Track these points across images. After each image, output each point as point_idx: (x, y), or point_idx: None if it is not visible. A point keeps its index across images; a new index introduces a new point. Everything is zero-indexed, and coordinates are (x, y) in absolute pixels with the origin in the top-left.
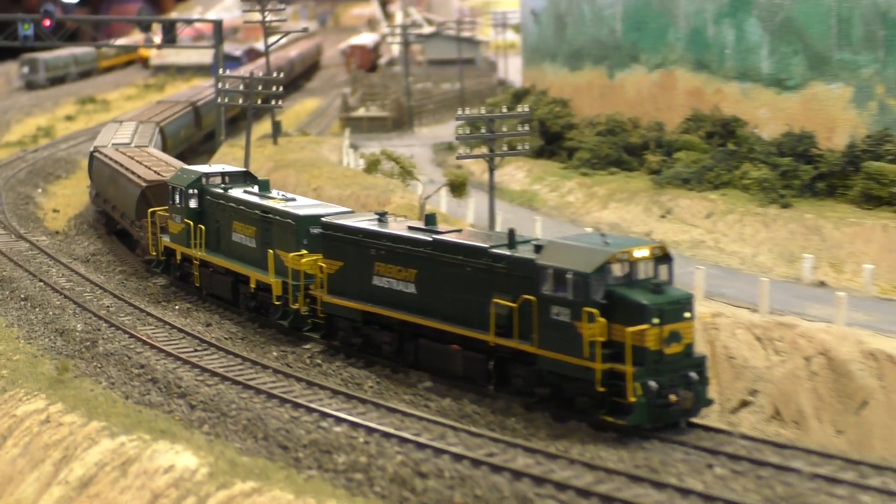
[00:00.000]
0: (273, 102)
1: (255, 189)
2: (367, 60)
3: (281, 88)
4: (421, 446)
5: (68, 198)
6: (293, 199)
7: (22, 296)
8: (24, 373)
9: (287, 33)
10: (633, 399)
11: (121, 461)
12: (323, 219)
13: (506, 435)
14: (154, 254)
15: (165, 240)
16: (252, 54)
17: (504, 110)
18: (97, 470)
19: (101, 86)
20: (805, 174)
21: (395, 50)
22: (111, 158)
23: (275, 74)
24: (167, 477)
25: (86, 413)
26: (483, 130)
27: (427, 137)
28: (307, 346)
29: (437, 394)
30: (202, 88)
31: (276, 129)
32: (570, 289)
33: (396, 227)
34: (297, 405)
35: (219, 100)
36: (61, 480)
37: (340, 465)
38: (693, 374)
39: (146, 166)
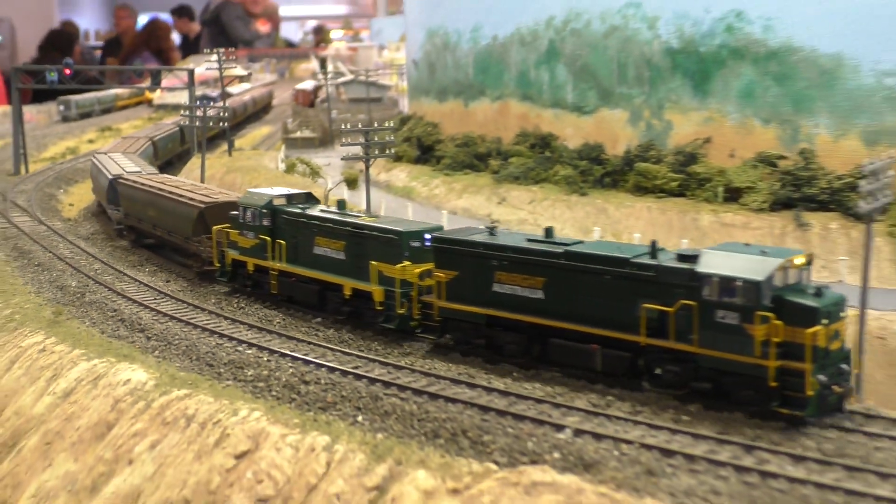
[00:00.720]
0: (225, 129)
1: (330, 208)
2: (307, 100)
3: (226, 123)
4: (307, 362)
5: (81, 196)
6: (377, 217)
7: (36, 262)
8: (30, 316)
9: (237, 79)
10: (810, 393)
11: (93, 377)
12: (436, 234)
13: (369, 354)
14: (217, 265)
15: (234, 253)
16: (225, 96)
17: (389, 125)
18: (76, 384)
19: (117, 119)
20: (597, 172)
21: (327, 92)
22: (145, 185)
23: (224, 114)
24: (125, 387)
25: (71, 344)
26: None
27: (342, 151)
28: (236, 297)
29: (324, 327)
30: (163, 125)
31: (231, 145)
32: (739, 295)
33: (516, 240)
34: (221, 335)
35: (188, 124)
36: (51, 392)
37: (249, 377)
38: (844, 366)
39: (191, 191)
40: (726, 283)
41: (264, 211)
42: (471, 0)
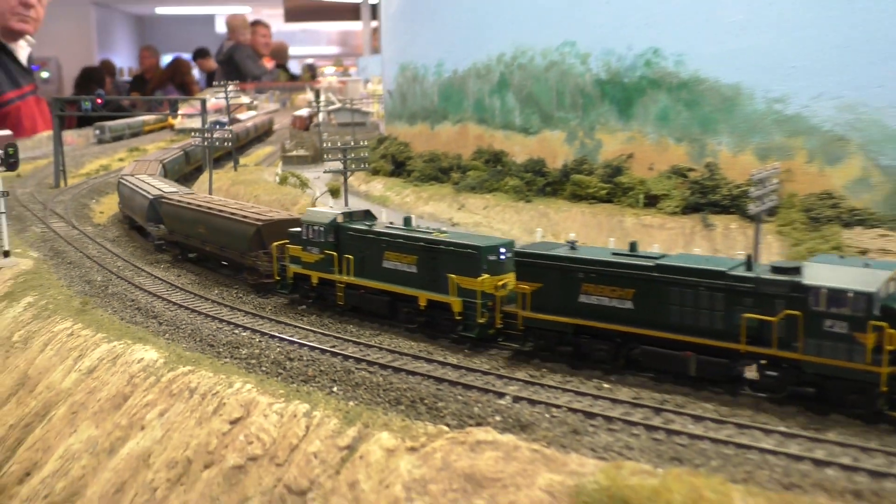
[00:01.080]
0: (231, 149)
1: (395, 224)
2: (303, 124)
3: (230, 143)
4: (292, 342)
5: (111, 205)
6: (446, 232)
7: (68, 261)
8: (62, 306)
9: (245, 106)
10: None
11: (113, 356)
12: (519, 249)
13: (344, 335)
14: (277, 278)
15: (296, 267)
16: (234, 122)
17: (364, 143)
18: (98, 362)
19: (143, 141)
20: (539, 182)
21: (320, 118)
22: (192, 204)
23: (228, 136)
24: (139, 365)
25: (95, 329)
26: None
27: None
28: (236, 287)
29: (308, 313)
30: (171, 150)
31: (236, 162)
32: (850, 305)
33: (602, 254)
34: (221, 320)
35: (197, 145)
36: (77, 369)
37: (243, 355)
38: None
39: (242, 209)
40: (837, 294)
41: (329, 228)
42: (435, 40)
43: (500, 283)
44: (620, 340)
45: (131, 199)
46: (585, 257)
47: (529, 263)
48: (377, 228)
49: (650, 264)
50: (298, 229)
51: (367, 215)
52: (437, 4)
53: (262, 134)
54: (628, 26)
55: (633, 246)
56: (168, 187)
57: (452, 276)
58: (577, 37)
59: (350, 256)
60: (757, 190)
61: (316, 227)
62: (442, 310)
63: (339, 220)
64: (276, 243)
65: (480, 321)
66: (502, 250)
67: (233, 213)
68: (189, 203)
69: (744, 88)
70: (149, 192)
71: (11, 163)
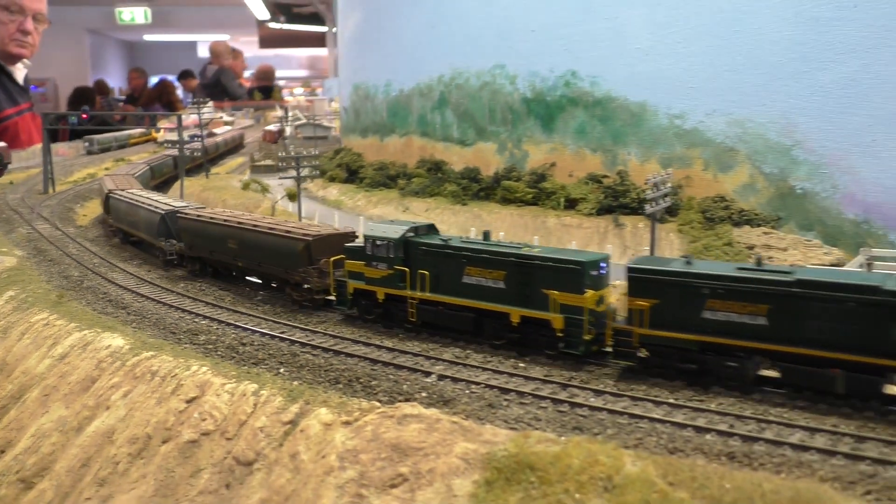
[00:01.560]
0: (203, 160)
1: (474, 238)
2: (273, 138)
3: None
4: (245, 329)
5: (94, 208)
6: (535, 247)
7: (49, 258)
8: (40, 299)
9: (222, 122)
10: None
11: (84, 344)
12: (633, 265)
13: (294, 323)
14: (334, 295)
15: (357, 283)
16: (210, 136)
17: (314, 152)
18: (70, 349)
19: (129, 152)
20: (474, 188)
21: (287, 132)
22: (218, 219)
23: (199, 149)
24: (107, 351)
25: (69, 319)
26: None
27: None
28: (199, 281)
29: (263, 303)
30: (137, 165)
31: (207, 171)
32: None
33: (727, 269)
34: (183, 310)
35: (172, 155)
36: (50, 355)
37: (201, 341)
38: None
39: (283, 224)
40: None
41: (399, 244)
42: (384, 63)
43: (600, 297)
44: (744, 356)
45: (132, 213)
46: (711, 273)
47: (645, 279)
48: (456, 243)
49: (789, 279)
50: (356, 244)
51: (431, 229)
52: (386, 32)
53: (232, 148)
54: (550, 52)
55: (758, 261)
56: (175, 202)
57: (551, 291)
58: (506, 60)
59: (425, 272)
60: (652, 193)
61: (383, 243)
62: (537, 326)
63: (409, 235)
64: (330, 258)
65: (587, 338)
66: (602, 265)
67: (274, 229)
68: (214, 219)
69: (649, 106)
70: (158, 208)
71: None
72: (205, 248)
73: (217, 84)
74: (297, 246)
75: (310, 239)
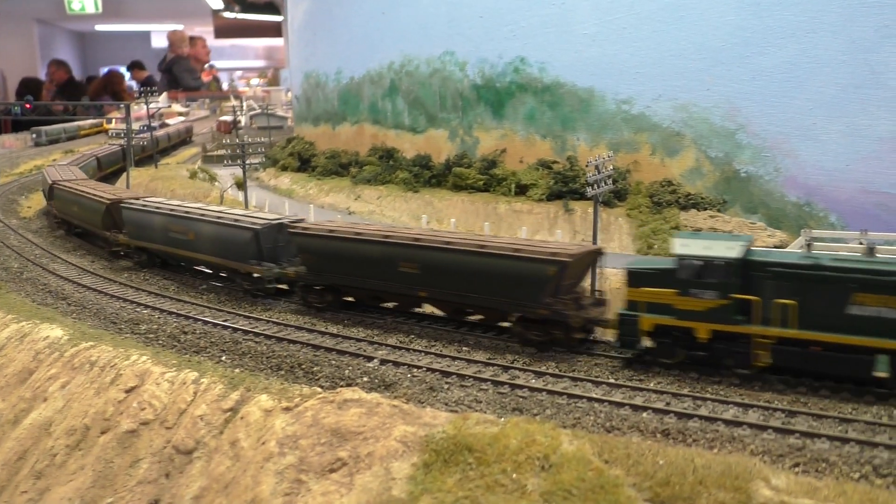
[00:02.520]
0: (152, 150)
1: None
2: (227, 128)
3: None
4: (188, 318)
5: (39, 201)
6: None
7: None
8: None
9: (176, 113)
10: None
11: (21, 335)
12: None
13: (238, 311)
14: (615, 333)
15: (661, 318)
16: (163, 126)
17: (261, 140)
18: (7, 341)
19: (79, 144)
20: (426, 175)
21: (242, 122)
22: (366, 235)
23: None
24: (45, 342)
25: (6, 311)
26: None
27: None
28: (143, 271)
29: (207, 292)
30: (81, 157)
31: (156, 161)
32: None
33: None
34: (125, 300)
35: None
36: None
37: (143, 330)
38: None
39: (491, 240)
40: None
41: (736, 265)
42: (334, 51)
43: None
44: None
45: (187, 227)
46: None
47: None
48: (833, 262)
49: None
50: (651, 265)
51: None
52: (336, 20)
53: (178, 142)
54: (498, 38)
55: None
56: (273, 216)
57: None
58: (455, 47)
59: (788, 301)
60: (593, 175)
61: (711, 263)
62: None
63: (742, 252)
64: (634, 289)
65: None
66: None
67: (504, 248)
68: (362, 234)
69: (597, 91)
70: (253, 224)
71: None
72: (338, 272)
73: (169, 72)
74: (546, 270)
75: (563, 259)
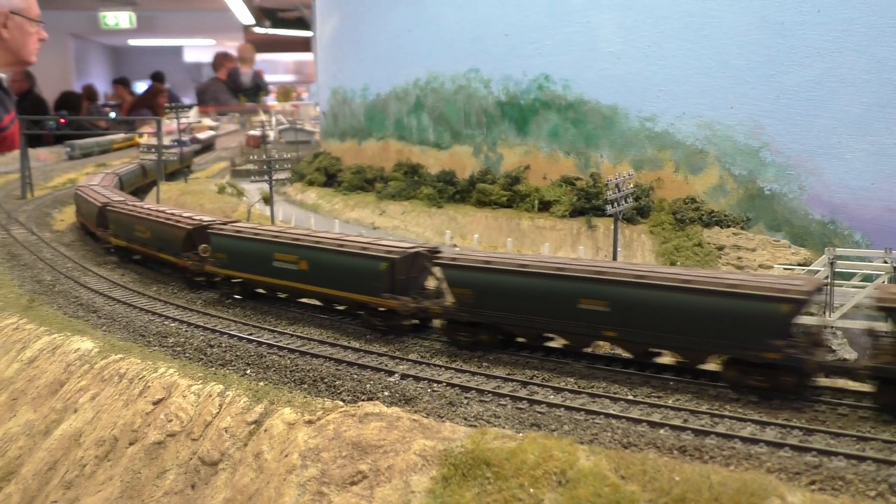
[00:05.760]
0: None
1: None
2: (256, 142)
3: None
4: (214, 331)
5: (71, 214)
6: None
7: (22, 263)
8: (11, 303)
9: (206, 127)
10: None
11: (52, 347)
12: None
13: (263, 325)
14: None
15: None
16: (193, 141)
17: (287, 157)
18: (39, 353)
19: (111, 157)
20: (450, 191)
21: (270, 136)
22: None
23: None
24: (76, 354)
25: (39, 323)
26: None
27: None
28: (171, 284)
29: (235, 307)
30: (110, 174)
31: (186, 175)
32: None
33: None
34: (154, 313)
35: (151, 160)
36: (19, 359)
37: (170, 343)
38: None
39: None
40: None
41: None
42: (361, 67)
43: None
44: None
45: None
46: None
47: None
48: None
49: None
50: None
51: None
52: (363, 37)
53: (200, 151)
54: (523, 56)
55: None
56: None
57: None
58: (480, 64)
59: None
60: (613, 193)
61: None
62: None
63: None
64: None
65: None
66: None
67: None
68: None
69: (620, 109)
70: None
71: None
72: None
73: (207, 92)
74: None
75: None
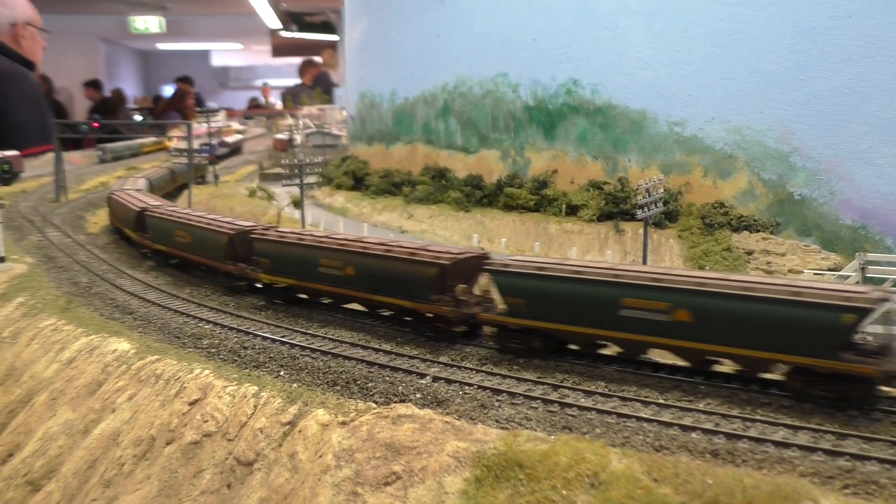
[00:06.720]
0: (210, 168)
1: None
2: (283, 146)
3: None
4: (247, 333)
5: (104, 217)
6: None
7: (59, 265)
8: (49, 304)
9: (234, 130)
10: None
11: (90, 348)
12: None
13: (295, 327)
14: None
15: None
16: (222, 144)
17: (317, 161)
18: (77, 353)
19: (141, 161)
20: (477, 195)
21: (297, 140)
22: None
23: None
24: (113, 355)
25: (77, 324)
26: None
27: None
28: (205, 286)
29: (267, 310)
30: (141, 178)
31: (216, 178)
32: None
33: None
34: (188, 315)
35: (180, 164)
36: (58, 360)
37: (205, 345)
38: None
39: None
40: None
41: None
42: (389, 71)
43: None
44: None
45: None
46: None
47: None
48: None
49: None
50: None
51: None
52: (391, 41)
53: (228, 154)
54: (551, 60)
55: None
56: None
57: None
58: (508, 69)
59: None
60: (643, 198)
61: None
62: None
63: None
64: None
65: None
66: None
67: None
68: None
69: (649, 113)
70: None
71: (6, 178)
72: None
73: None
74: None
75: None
